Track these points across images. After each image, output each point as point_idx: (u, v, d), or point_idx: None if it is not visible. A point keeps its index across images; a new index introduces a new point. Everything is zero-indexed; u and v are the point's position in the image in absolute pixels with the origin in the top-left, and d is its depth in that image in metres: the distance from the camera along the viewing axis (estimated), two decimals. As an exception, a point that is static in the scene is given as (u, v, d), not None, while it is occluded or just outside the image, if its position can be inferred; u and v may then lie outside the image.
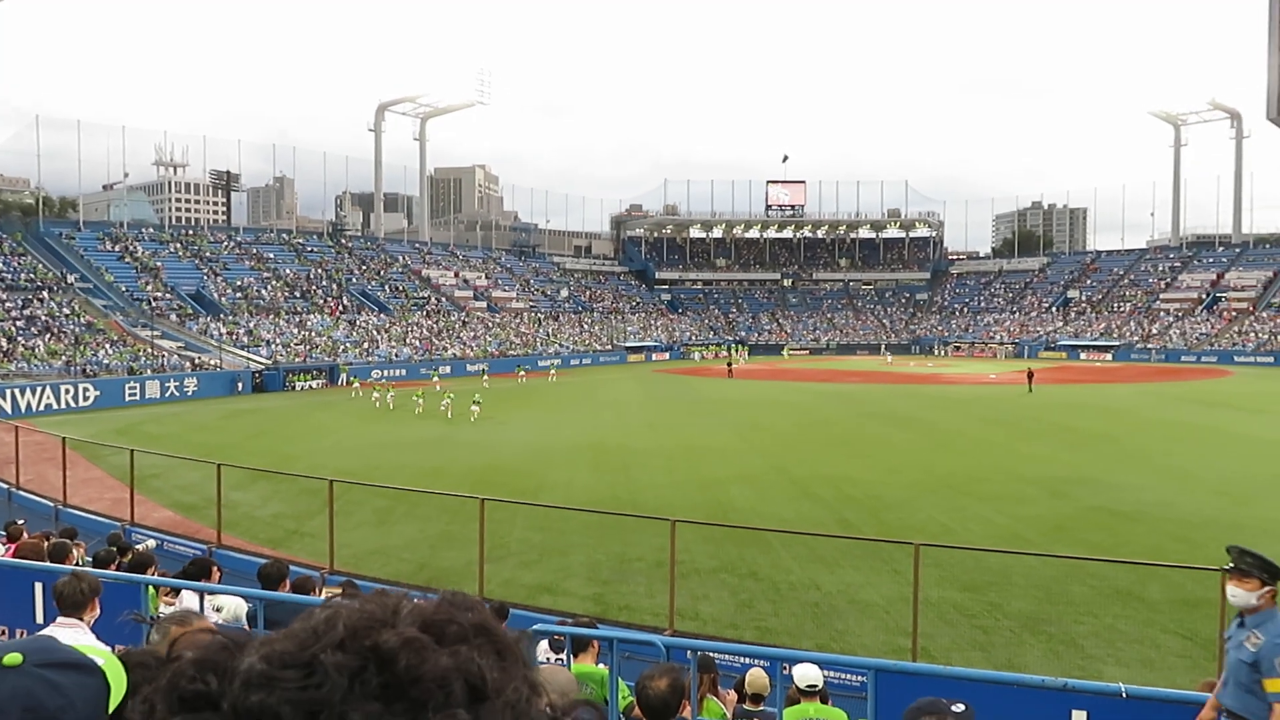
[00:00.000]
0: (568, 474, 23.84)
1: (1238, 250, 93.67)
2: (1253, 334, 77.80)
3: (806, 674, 6.32)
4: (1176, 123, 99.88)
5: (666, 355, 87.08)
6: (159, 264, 63.66)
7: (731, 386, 53.79)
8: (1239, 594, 4.53)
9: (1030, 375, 50.24)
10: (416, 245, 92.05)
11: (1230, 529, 17.20)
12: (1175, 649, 11.28)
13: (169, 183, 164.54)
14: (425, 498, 18.60)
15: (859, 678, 6.79)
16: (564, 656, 6.25)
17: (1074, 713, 4.28)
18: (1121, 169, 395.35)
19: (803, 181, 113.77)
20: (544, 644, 6.78)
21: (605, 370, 67.68)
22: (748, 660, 7.20)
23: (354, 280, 75.76)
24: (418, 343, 67.69)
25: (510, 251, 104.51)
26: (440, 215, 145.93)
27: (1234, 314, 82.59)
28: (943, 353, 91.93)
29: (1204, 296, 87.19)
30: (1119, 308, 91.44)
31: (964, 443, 29.32)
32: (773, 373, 66.80)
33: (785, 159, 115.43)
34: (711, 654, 6.66)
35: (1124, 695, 4.20)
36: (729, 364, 69.05)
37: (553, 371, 62.66)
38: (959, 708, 3.00)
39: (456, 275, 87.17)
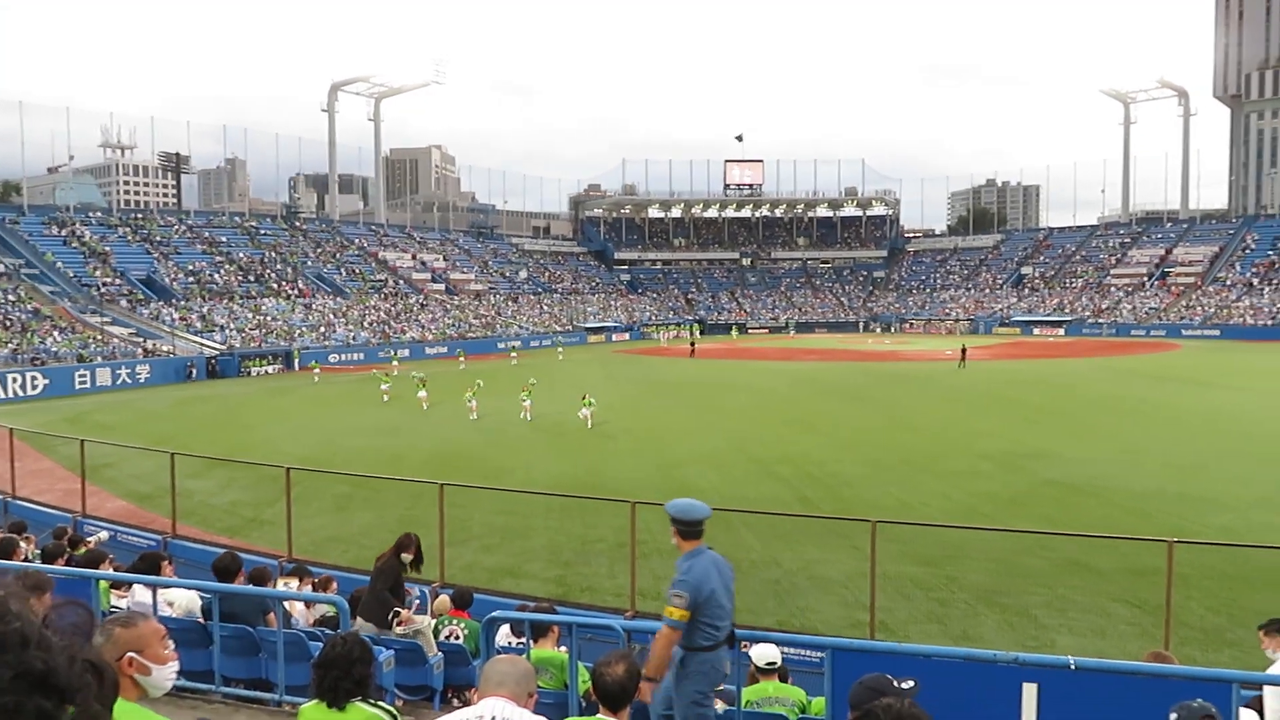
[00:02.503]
0: (528, 457, 23.84)
1: (1185, 226, 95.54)
2: (1199, 308, 79.54)
3: (765, 653, 6.40)
4: (1126, 100, 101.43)
5: (626, 336, 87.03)
6: (107, 248, 62.25)
7: (692, 367, 53.97)
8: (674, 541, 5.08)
9: (964, 352, 50.65)
10: (372, 227, 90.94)
11: (1177, 500, 17.66)
12: (1125, 617, 11.56)
13: (116, 165, 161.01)
14: (385, 484, 18.49)
15: (819, 654, 6.87)
16: (524, 641, 6.26)
17: (1025, 685, 4.36)
18: (1074, 147, 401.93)
19: (760, 161, 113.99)
20: (505, 629, 6.79)
21: (565, 351, 67.55)
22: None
23: (309, 263, 74.68)
24: (377, 326, 67.00)
25: (468, 233, 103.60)
26: (396, 197, 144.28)
27: (1182, 289, 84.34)
28: (883, 329, 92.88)
29: (1153, 272, 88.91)
30: (1071, 283, 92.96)
31: (921, 419, 29.70)
32: (733, 352, 67.12)
33: (740, 138, 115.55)
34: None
35: (1073, 667, 4.30)
36: (691, 344, 69.27)
37: (514, 354, 62.51)
38: (907, 684, 3.04)
39: (414, 257, 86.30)
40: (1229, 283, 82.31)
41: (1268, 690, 5.44)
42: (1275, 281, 79.39)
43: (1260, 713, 5.20)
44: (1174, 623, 9.54)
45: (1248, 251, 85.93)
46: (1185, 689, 4.13)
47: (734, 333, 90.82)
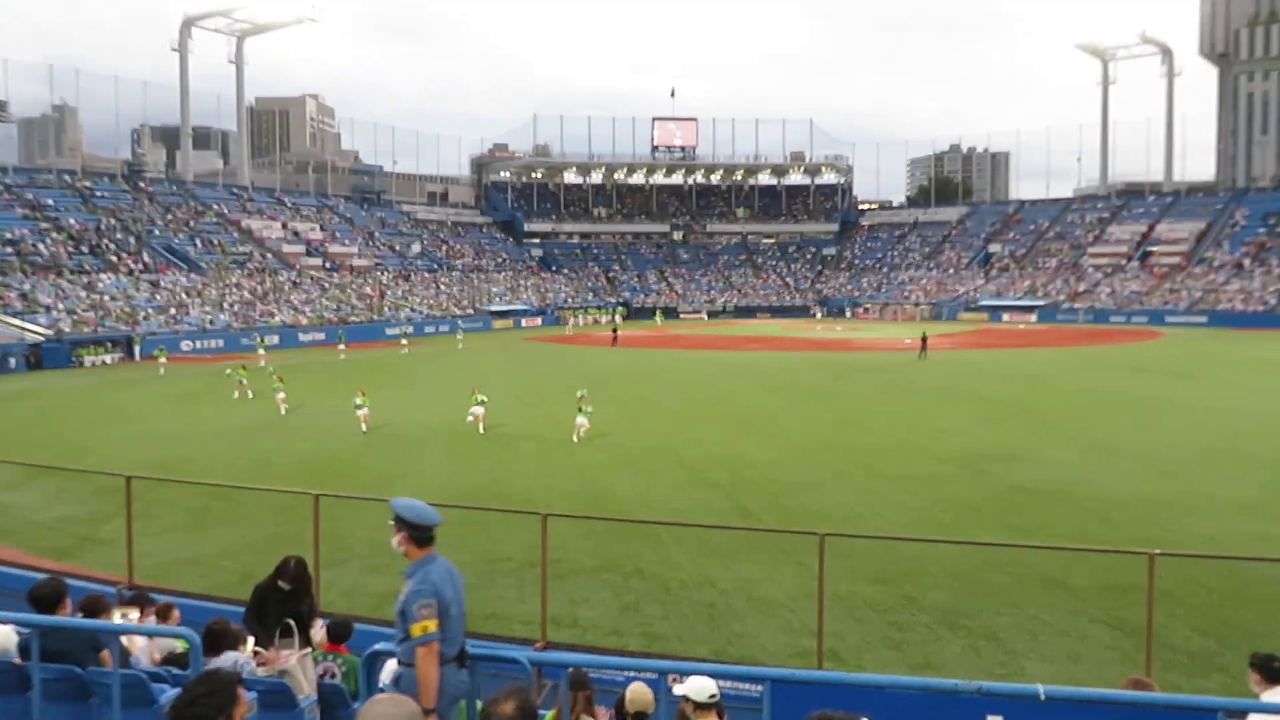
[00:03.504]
0: (420, 462, 23.65)
1: (1169, 200, 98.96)
2: (1185, 291, 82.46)
3: (703, 686, 6.39)
4: (1105, 57, 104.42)
5: (538, 320, 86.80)
6: (-95, 212, 59.72)
7: (614, 357, 54.01)
8: (394, 544, 5.31)
9: (924, 340, 51.60)
10: (234, 190, 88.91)
11: (1157, 506, 18.28)
12: (1103, 640, 11.90)
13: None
14: (250, 494, 18.14)
15: (756, 687, 6.92)
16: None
17: (989, 718, 4.45)
18: (1047, 110, 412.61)
19: (694, 119, 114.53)
20: (390, 665, 6.67)
21: (466, 339, 66.98)
22: (630, 674, 7.26)
23: (157, 232, 72.73)
24: (240, 308, 65.53)
25: (350, 199, 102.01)
26: (264, 155, 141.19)
27: (1165, 270, 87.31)
28: (832, 314, 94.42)
29: (1133, 251, 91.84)
30: (1044, 263, 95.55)
31: (874, 417, 30.23)
32: (662, 340, 67.40)
33: (673, 93, 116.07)
34: (587, 668, 6.68)
35: (1042, 697, 4.39)
36: (614, 330, 69.40)
37: (404, 341, 61.74)
38: (862, 722, 3.06)
39: (284, 227, 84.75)
40: (1216, 263, 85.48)
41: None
42: (1267, 263, 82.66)
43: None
44: (1157, 645, 9.86)
45: (1237, 229, 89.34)
46: (1165, 719, 4.25)
47: (658, 318, 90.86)
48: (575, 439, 26.07)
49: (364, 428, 28.02)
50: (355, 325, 68.79)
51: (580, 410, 26.71)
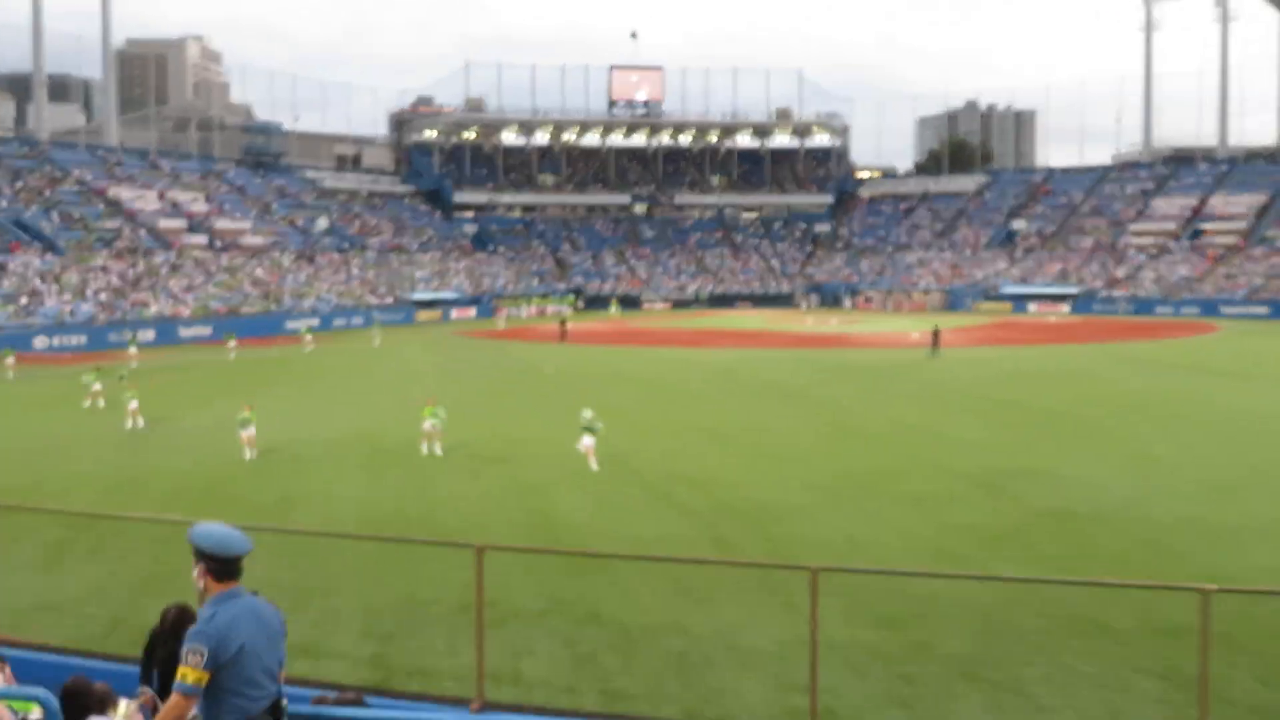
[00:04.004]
0: (328, 482, 23.47)
1: (1224, 168, 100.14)
2: (1243, 277, 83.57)
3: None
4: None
5: (472, 311, 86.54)
6: None
7: (562, 355, 53.97)
8: (194, 577, 5.41)
9: (935, 335, 52.15)
10: (100, 152, 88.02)
11: (1213, 530, 18.48)
12: (1150, 693, 12.01)
13: None
14: (119, 525, 17.91)
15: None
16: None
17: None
18: (1081, 61, 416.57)
19: (660, 68, 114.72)
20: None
21: (384, 334, 66.67)
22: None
23: (4, 204, 71.86)
24: (107, 296, 64.84)
25: (242, 163, 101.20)
26: (135, 109, 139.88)
27: (1220, 251, 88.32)
28: (826, 304, 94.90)
29: (1183, 229, 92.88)
30: (1077, 243, 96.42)
31: (876, 427, 30.42)
32: (621, 334, 67.46)
33: (634, 36, 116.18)
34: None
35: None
36: (562, 323, 69.41)
37: (308, 335, 61.32)
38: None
39: (161, 197, 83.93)
40: None
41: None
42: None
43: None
44: (1213, 699, 9.93)
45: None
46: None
47: (614, 308, 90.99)
48: (592, 466, 24.50)
49: (248, 453, 26.37)
50: (248, 318, 68.26)
51: (588, 430, 25.07)
